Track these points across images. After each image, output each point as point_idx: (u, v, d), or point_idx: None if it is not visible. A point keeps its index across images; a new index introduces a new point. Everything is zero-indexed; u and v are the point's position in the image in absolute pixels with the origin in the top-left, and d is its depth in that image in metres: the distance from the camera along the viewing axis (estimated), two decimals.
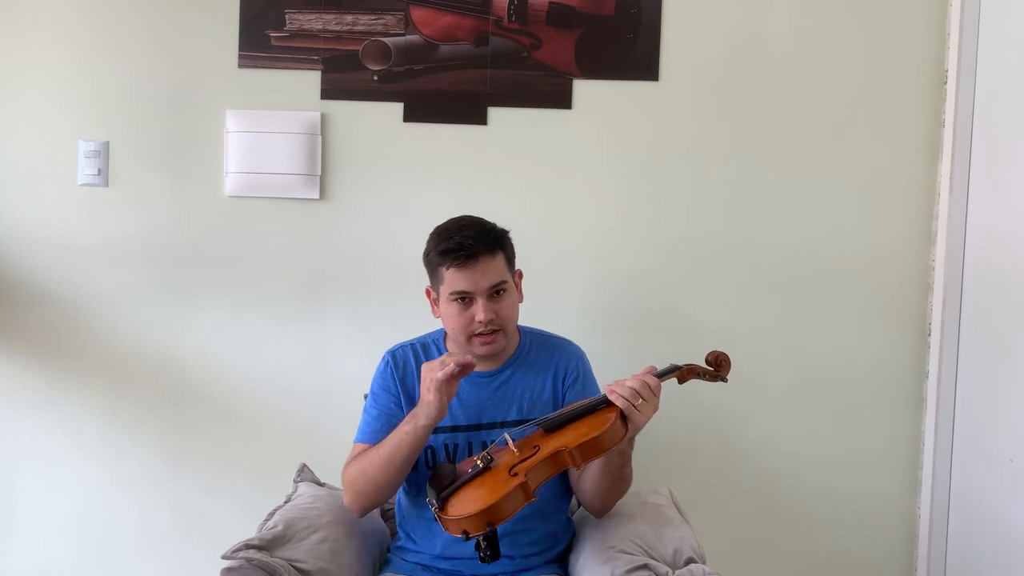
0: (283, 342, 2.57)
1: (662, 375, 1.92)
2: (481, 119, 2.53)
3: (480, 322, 1.97)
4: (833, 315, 2.53)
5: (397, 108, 2.53)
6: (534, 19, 2.50)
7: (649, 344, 2.51)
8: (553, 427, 1.89)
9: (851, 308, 2.52)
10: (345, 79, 2.53)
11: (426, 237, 2.07)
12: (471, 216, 2.06)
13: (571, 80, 2.51)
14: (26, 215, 2.57)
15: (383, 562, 2.12)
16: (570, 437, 1.84)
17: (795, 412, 2.54)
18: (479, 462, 1.86)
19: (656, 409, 1.86)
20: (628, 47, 2.50)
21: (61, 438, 2.60)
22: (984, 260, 2.35)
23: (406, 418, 1.96)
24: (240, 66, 2.54)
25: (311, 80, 2.53)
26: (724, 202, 2.52)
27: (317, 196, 2.55)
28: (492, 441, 2.00)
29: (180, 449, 2.60)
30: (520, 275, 2.12)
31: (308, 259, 2.56)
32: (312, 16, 2.52)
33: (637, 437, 1.90)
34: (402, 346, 2.14)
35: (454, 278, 1.98)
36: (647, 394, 1.84)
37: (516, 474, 1.80)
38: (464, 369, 1.88)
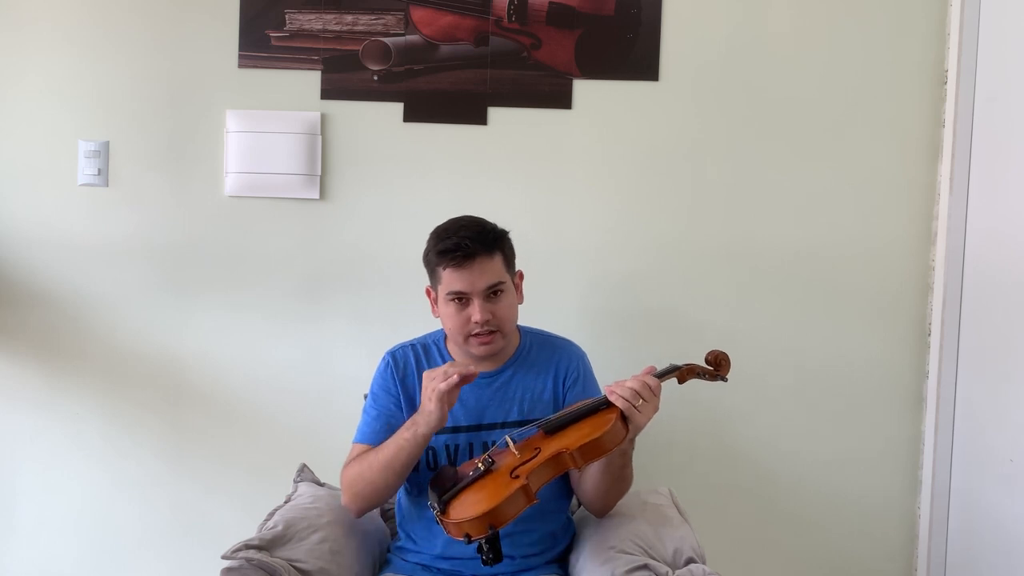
0: (283, 342, 2.57)
1: (662, 375, 1.92)
2: (481, 119, 2.53)
3: (476, 323, 1.98)
4: (833, 315, 2.53)
5: (397, 108, 2.53)
6: (534, 19, 2.50)
7: (649, 344, 2.51)
8: (554, 429, 1.89)
9: (851, 308, 2.52)
10: (345, 79, 2.53)
11: (426, 237, 2.07)
12: (471, 216, 2.06)
13: (571, 80, 2.51)
14: (26, 215, 2.57)
15: (383, 562, 2.12)
16: (571, 439, 1.83)
17: (795, 412, 2.54)
18: (480, 465, 1.86)
19: (657, 409, 1.86)
20: (628, 47, 2.50)
21: (61, 438, 2.60)
22: (984, 260, 2.35)
23: (406, 424, 1.95)
24: (240, 66, 2.54)
25: (311, 80, 2.53)
26: (724, 202, 2.52)
27: (317, 196, 2.55)
28: (493, 442, 2.01)
29: (180, 449, 2.60)
30: (521, 276, 2.12)
31: (308, 259, 2.56)
32: (312, 16, 2.52)
33: (637, 437, 1.90)
34: (402, 346, 2.14)
35: (451, 278, 1.99)
36: (647, 394, 1.84)
37: (517, 476, 1.80)
38: (465, 379, 1.88)
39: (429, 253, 2.04)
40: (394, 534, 2.18)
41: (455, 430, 2.04)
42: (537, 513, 1.89)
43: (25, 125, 2.56)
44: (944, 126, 2.45)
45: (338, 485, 2.11)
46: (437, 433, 2.00)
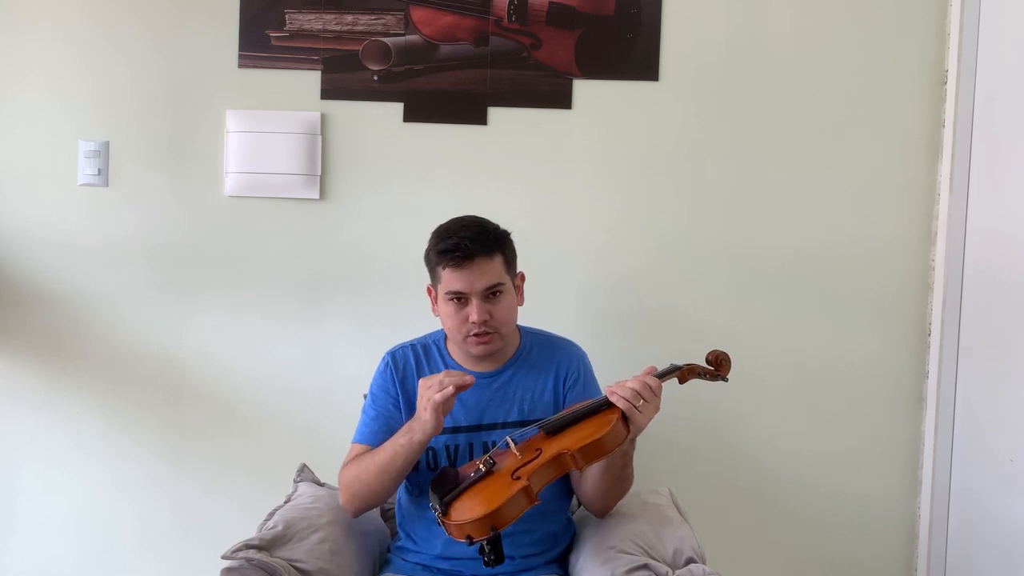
0: (283, 342, 2.57)
1: (663, 375, 1.92)
2: (481, 119, 2.53)
3: (474, 323, 1.98)
4: (833, 315, 2.53)
5: (397, 108, 2.53)
6: (534, 19, 2.50)
7: (649, 344, 2.51)
8: (555, 429, 1.89)
9: (851, 308, 2.52)
10: (345, 79, 2.53)
11: (426, 237, 2.07)
12: (474, 216, 2.06)
13: (571, 80, 2.51)
14: (26, 215, 2.57)
15: (383, 562, 2.12)
16: (572, 439, 1.83)
17: (795, 412, 2.54)
18: (481, 466, 1.85)
19: (657, 410, 1.86)
20: (628, 47, 2.50)
21: (61, 438, 2.60)
22: (984, 260, 2.35)
23: (402, 429, 1.95)
24: (240, 66, 2.54)
25: (311, 80, 2.53)
26: (724, 202, 2.52)
27: (317, 196, 2.55)
28: (493, 442, 2.01)
29: (180, 449, 2.60)
30: (522, 278, 2.12)
31: (308, 259, 2.56)
32: (312, 16, 2.52)
33: (638, 438, 1.89)
34: (402, 347, 2.14)
35: (450, 278, 1.99)
36: (648, 395, 1.84)
37: (519, 478, 1.79)
38: (461, 388, 1.87)
39: (430, 252, 2.04)
40: (394, 534, 2.18)
41: (455, 430, 2.04)
42: (537, 513, 1.89)
43: (25, 125, 2.56)
44: (944, 126, 2.45)
45: (338, 485, 2.11)
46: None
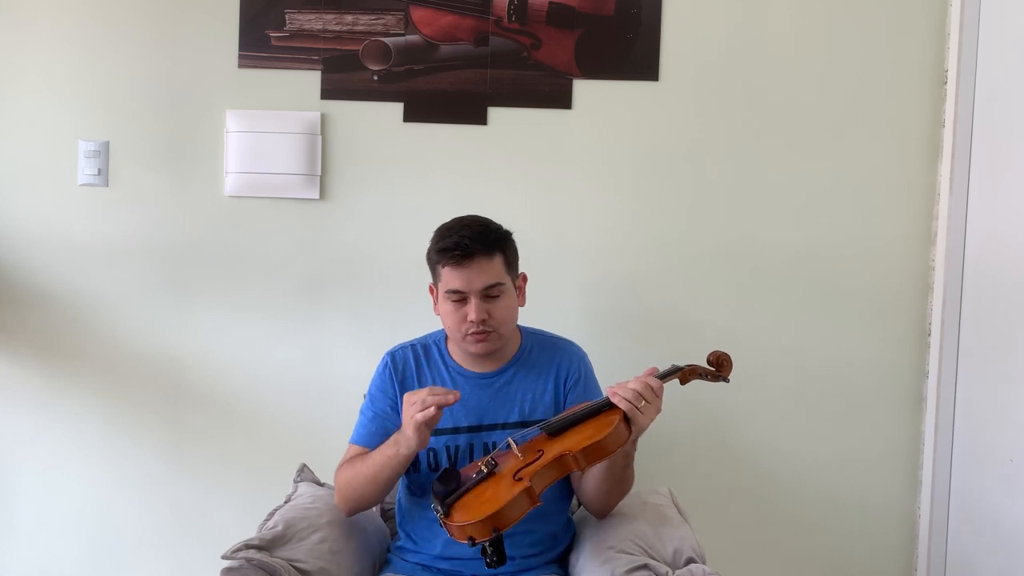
0: (283, 342, 2.57)
1: (664, 376, 1.92)
2: (481, 119, 2.53)
3: (472, 322, 1.98)
4: (833, 315, 2.53)
5: (397, 108, 2.53)
6: (534, 19, 2.50)
7: (649, 344, 2.51)
8: (556, 430, 1.88)
9: (851, 308, 2.52)
10: (345, 79, 2.53)
11: (426, 237, 2.07)
12: (476, 216, 2.06)
13: (571, 80, 2.51)
14: (26, 215, 2.57)
15: (383, 562, 2.12)
16: (574, 440, 1.83)
17: (795, 412, 2.54)
18: (483, 467, 1.85)
19: (659, 411, 1.86)
20: (628, 47, 2.50)
21: (61, 438, 2.60)
22: (984, 260, 2.35)
23: (390, 440, 1.96)
24: (240, 66, 2.54)
25: (311, 80, 2.53)
26: (724, 202, 2.52)
27: (317, 196, 2.55)
28: (494, 442, 2.01)
29: (180, 449, 2.60)
30: (524, 279, 2.12)
31: (308, 259, 2.56)
32: (312, 16, 2.52)
33: (640, 439, 1.89)
34: (402, 347, 2.14)
35: (449, 276, 1.99)
36: (650, 396, 1.83)
37: (521, 479, 1.79)
38: (444, 407, 1.87)
39: (431, 250, 2.04)
40: (394, 534, 2.18)
41: (455, 431, 2.04)
42: (538, 514, 1.88)
43: (25, 125, 2.56)
44: (944, 126, 2.45)
45: (333, 485, 2.11)
46: (437, 434, 2.01)
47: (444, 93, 2.52)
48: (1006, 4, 2.31)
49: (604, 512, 2.04)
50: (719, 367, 2.01)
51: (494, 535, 1.76)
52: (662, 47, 2.50)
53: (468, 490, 1.83)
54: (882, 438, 2.54)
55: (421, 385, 2.07)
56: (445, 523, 1.81)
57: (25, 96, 2.56)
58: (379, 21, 2.52)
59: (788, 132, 2.51)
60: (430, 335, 2.16)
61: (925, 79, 2.48)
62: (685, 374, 1.97)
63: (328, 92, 2.53)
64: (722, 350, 2.02)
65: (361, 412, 2.12)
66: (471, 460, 2.02)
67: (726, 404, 2.51)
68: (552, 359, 2.11)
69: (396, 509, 2.17)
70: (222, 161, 2.55)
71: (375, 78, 2.53)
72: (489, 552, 1.77)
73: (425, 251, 2.06)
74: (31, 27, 2.54)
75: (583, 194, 2.53)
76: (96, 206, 2.57)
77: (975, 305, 2.38)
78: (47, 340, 2.59)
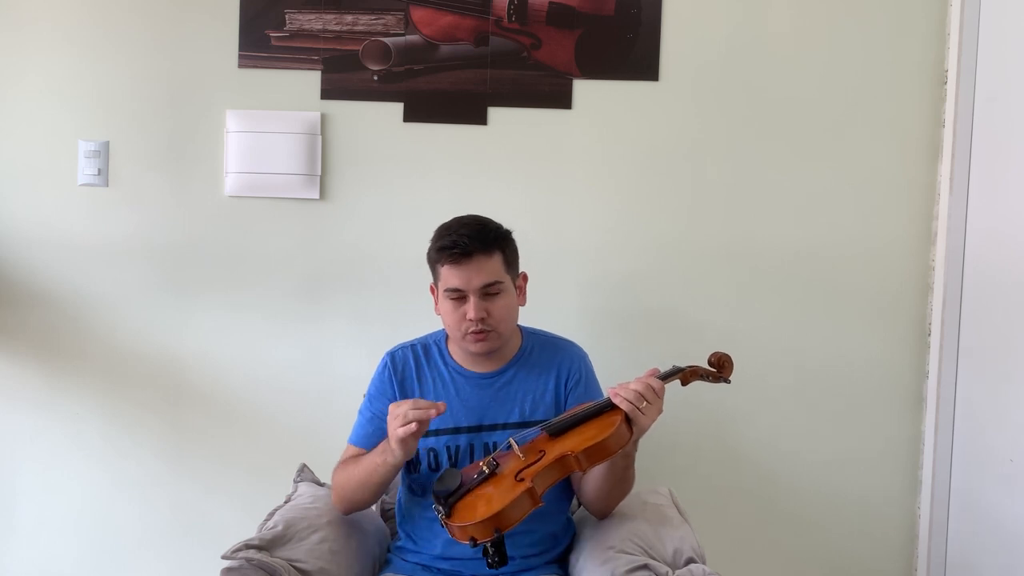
0: (283, 342, 2.57)
1: (665, 377, 1.92)
2: (481, 119, 2.53)
3: (471, 320, 1.98)
4: (833, 315, 2.53)
5: (397, 108, 2.53)
6: (534, 19, 2.50)
7: (649, 344, 2.51)
8: (558, 431, 1.88)
9: (851, 308, 2.52)
10: (345, 79, 2.53)
11: (426, 237, 2.07)
12: (476, 216, 2.06)
13: (571, 80, 2.51)
14: (26, 215, 2.57)
15: (383, 562, 2.12)
16: (575, 441, 1.83)
17: (795, 412, 2.54)
18: (484, 467, 1.85)
19: (660, 411, 1.86)
20: (628, 47, 2.50)
21: (61, 438, 2.60)
22: (984, 260, 2.35)
23: (378, 448, 1.96)
24: (240, 66, 2.54)
25: (311, 80, 2.53)
26: (724, 202, 2.52)
27: (317, 196, 2.55)
28: (494, 442, 2.01)
29: (180, 449, 2.60)
30: (525, 278, 2.12)
31: (308, 259, 2.56)
32: (312, 16, 2.52)
33: (640, 440, 1.89)
34: (402, 347, 2.14)
35: (449, 275, 1.99)
36: (651, 396, 1.83)
37: (522, 479, 1.79)
38: (426, 422, 1.86)
39: (431, 250, 2.05)
40: (394, 534, 2.18)
41: (456, 431, 2.04)
42: (538, 514, 1.88)
43: (25, 125, 2.56)
44: (944, 126, 2.45)
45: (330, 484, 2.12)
46: (438, 434, 2.02)
47: (444, 93, 2.52)
48: (1006, 4, 2.31)
49: (604, 512, 2.04)
50: (720, 368, 2.00)
51: (496, 536, 1.76)
52: (662, 47, 2.50)
53: (470, 490, 1.83)
54: (882, 438, 2.54)
55: (421, 385, 2.08)
56: (447, 523, 1.81)
57: (25, 96, 2.56)
58: (379, 21, 2.52)
59: (788, 132, 2.51)
60: (431, 335, 2.16)
61: (925, 79, 2.48)
62: (686, 375, 1.97)
63: (328, 92, 2.53)
64: (723, 351, 2.02)
65: (360, 412, 2.12)
66: (471, 460, 2.02)
67: (726, 404, 2.50)
68: (553, 359, 2.10)
69: (396, 509, 2.17)
70: (222, 161, 2.55)
71: (375, 78, 2.53)
72: (491, 553, 1.77)
73: (425, 251, 2.06)
74: (31, 27, 2.54)
75: (583, 194, 2.53)
76: (96, 206, 2.57)
77: (975, 305, 2.38)
78: (47, 340, 2.59)
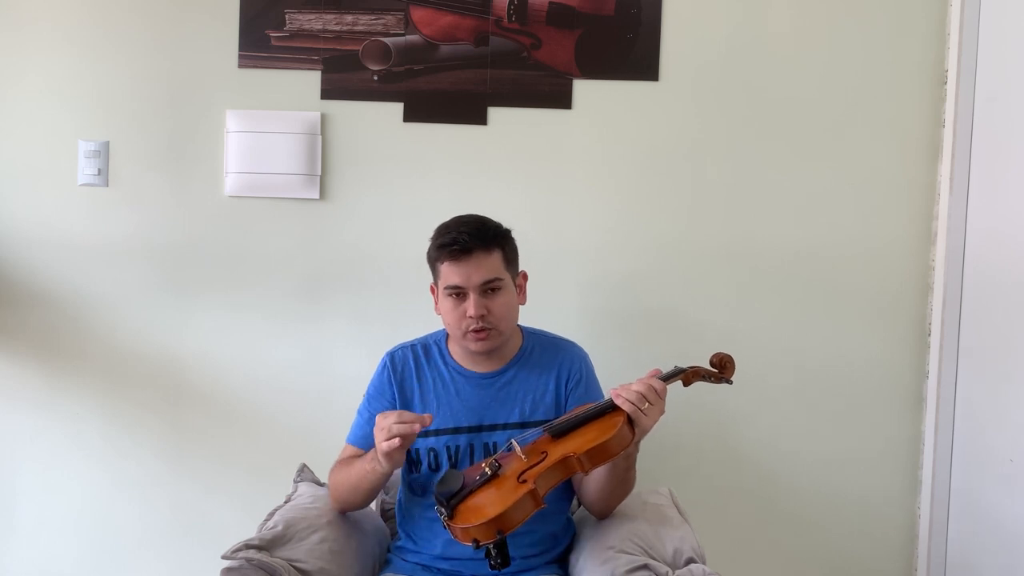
0: (283, 342, 2.57)
1: (667, 378, 1.92)
2: (481, 119, 2.53)
3: (471, 317, 1.98)
4: (833, 315, 2.53)
5: (397, 108, 2.53)
6: (534, 19, 2.50)
7: (649, 344, 2.51)
8: (560, 432, 1.88)
9: (851, 308, 2.52)
10: (345, 79, 2.53)
11: (426, 237, 2.07)
12: (475, 215, 2.07)
13: (571, 80, 2.51)
14: (26, 215, 2.57)
15: (383, 562, 2.12)
16: (578, 443, 1.83)
17: (795, 412, 2.54)
18: (487, 469, 1.85)
19: (662, 412, 1.86)
20: (628, 47, 2.50)
21: (61, 438, 2.60)
22: (984, 260, 2.35)
23: (368, 455, 1.96)
24: (240, 66, 2.54)
25: (311, 80, 2.53)
26: (724, 202, 2.52)
27: (317, 196, 2.55)
28: (495, 443, 2.01)
29: (180, 449, 2.60)
30: (524, 277, 2.12)
31: (308, 259, 2.56)
32: (312, 16, 2.52)
33: (642, 440, 1.89)
34: (402, 347, 2.14)
35: (448, 272, 2.00)
36: (653, 398, 1.83)
37: (525, 481, 1.79)
38: (410, 437, 1.86)
39: (431, 248, 2.05)
40: (394, 534, 2.18)
41: (456, 431, 2.04)
42: (539, 514, 1.89)
43: (25, 125, 2.56)
44: (944, 126, 2.45)
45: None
46: (438, 434, 2.02)
47: (444, 93, 2.52)
48: (1006, 4, 2.31)
49: (605, 513, 2.04)
50: (722, 369, 2.00)
51: (498, 537, 1.76)
52: (662, 47, 2.50)
53: (472, 492, 1.83)
54: (882, 438, 2.54)
55: (421, 385, 2.08)
56: (449, 525, 1.81)
57: (25, 96, 2.56)
58: (379, 21, 2.52)
59: (788, 132, 2.51)
60: (431, 335, 2.16)
61: (925, 79, 2.48)
62: (688, 376, 1.97)
63: (328, 92, 2.53)
64: (725, 352, 2.02)
65: (358, 412, 2.12)
66: (471, 460, 2.02)
67: (726, 405, 2.50)
68: (553, 359, 2.10)
69: (396, 509, 2.17)
70: (222, 161, 2.55)
71: (375, 78, 2.53)
72: (493, 554, 1.77)
73: (425, 251, 2.06)
74: (31, 27, 2.54)
75: (583, 194, 2.53)
76: (96, 206, 2.57)
77: (975, 305, 2.38)
78: (47, 340, 2.59)
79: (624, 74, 2.51)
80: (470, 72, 2.52)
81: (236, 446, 2.59)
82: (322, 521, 2.01)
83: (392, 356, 2.12)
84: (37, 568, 2.63)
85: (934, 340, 2.46)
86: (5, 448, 2.62)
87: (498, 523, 1.75)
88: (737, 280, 2.53)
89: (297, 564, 1.88)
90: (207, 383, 2.59)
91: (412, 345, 2.14)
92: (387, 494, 2.28)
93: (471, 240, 1.98)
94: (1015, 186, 2.24)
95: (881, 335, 2.52)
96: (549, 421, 1.96)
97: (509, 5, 2.50)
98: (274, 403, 2.58)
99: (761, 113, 2.51)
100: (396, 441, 1.83)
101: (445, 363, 2.10)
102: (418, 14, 2.52)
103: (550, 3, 2.50)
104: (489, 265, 2.00)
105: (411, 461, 2.05)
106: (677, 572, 1.85)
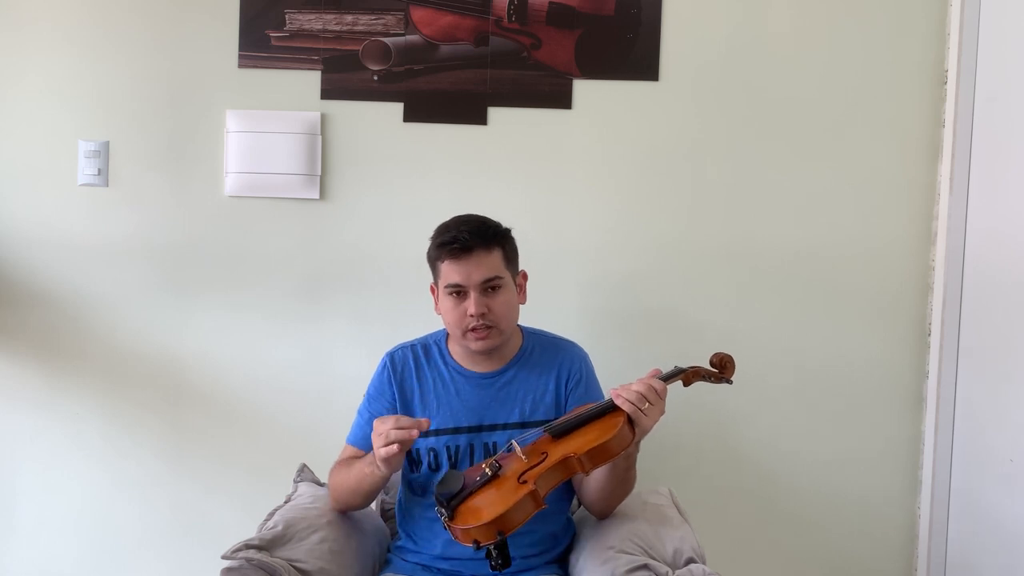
0: (283, 342, 2.57)
1: (667, 378, 1.91)
2: (481, 119, 2.53)
3: (471, 316, 1.98)
4: (833, 315, 2.53)
5: (397, 108, 2.53)
6: (534, 19, 2.50)
7: (649, 344, 2.51)
8: (560, 433, 1.88)
9: (851, 308, 2.52)
10: (345, 79, 2.53)
11: (426, 237, 2.07)
12: (475, 214, 2.07)
13: (571, 80, 2.51)
14: (26, 215, 2.57)
15: (383, 562, 2.12)
16: (578, 443, 1.83)
17: (795, 412, 2.54)
18: (487, 470, 1.85)
19: (663, 412, 1.86)
20: (628, 47, 2.50)
21: (61, 438, 2.60)
22: (984, 260, 2.35)
23: (367, 458, 1.96)
24: (240, 66, 2.54)
25: (311, 80, 2.53)
26: (724, 202, 2.52)
27: (317, 196, 2.55)
28: (494, 443, 2.01)
29: (180, 449, 2.60)
30: (524, 276, 2.12)
31: (308, 259, 2.56)
32: (312, 16, 2.52)
33: (642, 441, 1.89)
34: (403, 347, 2.14)
35: (448, 270, 2.00)
36: (653, 398, 1.83)
37: (525, 482, 1.79)
38: (408, 443, 1.86)
39: (431, 247, 2.05)
40: (394, 534, 2.18)
41: (456, 431, 2.04)
42: (539, 515, 1.89)
43: (25, 125, 2.56)
44: (944, 126, 2.45)
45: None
46: (438, 435, 2.02)
47: (444, 93, 2.52)
48: (1006, 4, 2.31)
49: (605, 513, 2.04)
50: (722, 369, 2.00)
51: (499, 538, 1.76)
52: (662, 47, 2.50)
53: (472, 493, 1.83)
54: (882, 438, 2.54)
55: (421, 385, 2.08)
56: (449, 526, 1.81)
57: (25, 96, 2.56)
58: (379, 21, 2.52)
59: (788, 132, 2.51)
60: (431, 335, 2.16)
61: (925, 79, 2.48)
62: (688, 376, 1.97)
63: (328, 92, 2.53)
64: (725, 352, 2.02)
65: (358, 412, 2.12)
66: (471, 460, 2.02)
67: (726, 405, 2.50)
68: (553, 359, 2.10)
69: (396, 509, 2.17)
70: (222, 161, 2.55)
71: (375, 78, 2.53)
72: (494, 555, 1.77)
73: (425, 251, 2.07)
74: (31, 27, 2.54)
75: (583, 194, 2.53)
76: (96, 206, 2.57)
77: (975, 305, 2.38)
78: (47, 340, 2.59)
79: (624, 74, 2.51)
80: (470, 72, 2.52)
81: (236, 446, 2.59)
82: (322, 521, 2.01)
83: (392, 356, 2.12)
84: (37, 568, 2.63)
85: (934, 340, 2.46)
86: (5, 448, 2.62)
87: (499, 524, 1.75)
88: (737, 280, 2.53)
89: (297, 564, 1.88)
90: (207, 383, 2.59)
91: (412, 345, 2.14)
92: (387, 494, 2.28)
93: (471, 238, 1.98)
94: (1015, 186, 2.24)
95: (881, 335, 2.52)
96: (549, 421, 1.96)
97: (509, 5, 2.50)
98: (274, 403, 2.58)
99: (761, 113, 2.51)
100: (394, 447, 1.83)
101: (445, 363, 2.10)
102: (418, 14, 2.52)
103: (550, 3, 2.50)
104: (489, 263, 2.00)
105: (411, 461, 2.05)
106: (677, 572, 1.85)
